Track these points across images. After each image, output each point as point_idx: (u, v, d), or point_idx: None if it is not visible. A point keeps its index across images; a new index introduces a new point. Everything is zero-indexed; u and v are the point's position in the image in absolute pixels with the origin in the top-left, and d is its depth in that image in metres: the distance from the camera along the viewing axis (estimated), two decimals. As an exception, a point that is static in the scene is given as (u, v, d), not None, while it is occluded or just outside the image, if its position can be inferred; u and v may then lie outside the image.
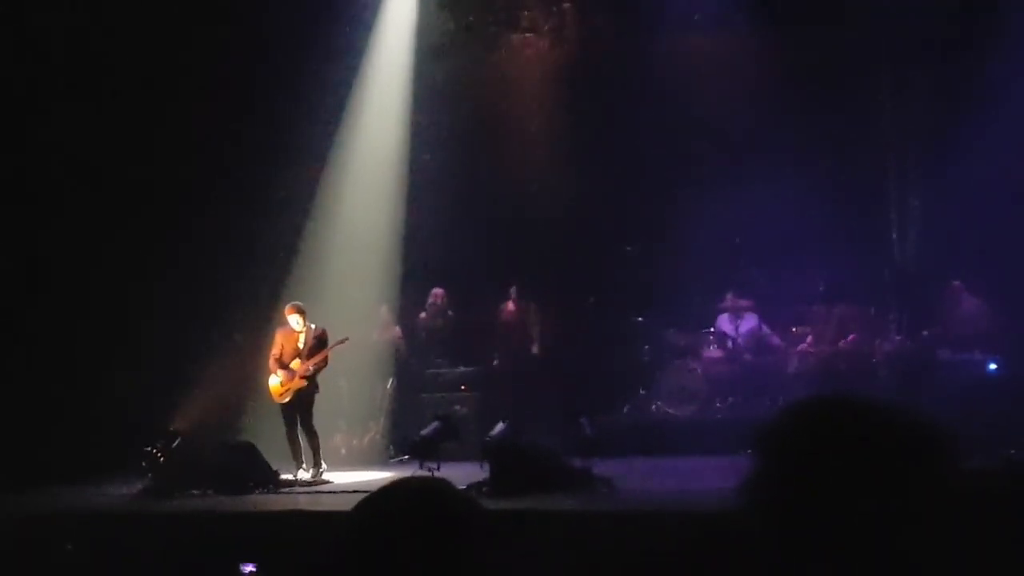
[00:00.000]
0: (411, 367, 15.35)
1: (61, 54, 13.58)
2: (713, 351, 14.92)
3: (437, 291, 15.56)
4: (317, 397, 12.81)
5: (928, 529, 1.63)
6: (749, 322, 14.93)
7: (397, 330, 15.53)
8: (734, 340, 14.88)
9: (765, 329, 14.90)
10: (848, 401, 1.74)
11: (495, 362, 15.44)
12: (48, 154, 13.55)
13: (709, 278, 15.05)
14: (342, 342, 12.87)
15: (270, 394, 12.79)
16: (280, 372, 12.63)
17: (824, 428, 1.70)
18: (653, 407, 14.80)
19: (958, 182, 13.66)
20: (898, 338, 14.09)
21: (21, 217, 13.41)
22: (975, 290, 13.80)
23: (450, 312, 15.63)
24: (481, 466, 10.67)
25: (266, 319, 13.68)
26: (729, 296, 15.03)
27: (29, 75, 13.44)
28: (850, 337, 14.27)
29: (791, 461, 1.69)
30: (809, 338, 14.49)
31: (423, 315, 15.65)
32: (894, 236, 15.05)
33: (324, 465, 12.68)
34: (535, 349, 15.35)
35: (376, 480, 11.26)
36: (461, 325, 15.65)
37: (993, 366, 13.37)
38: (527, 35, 16.50)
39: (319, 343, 12.75)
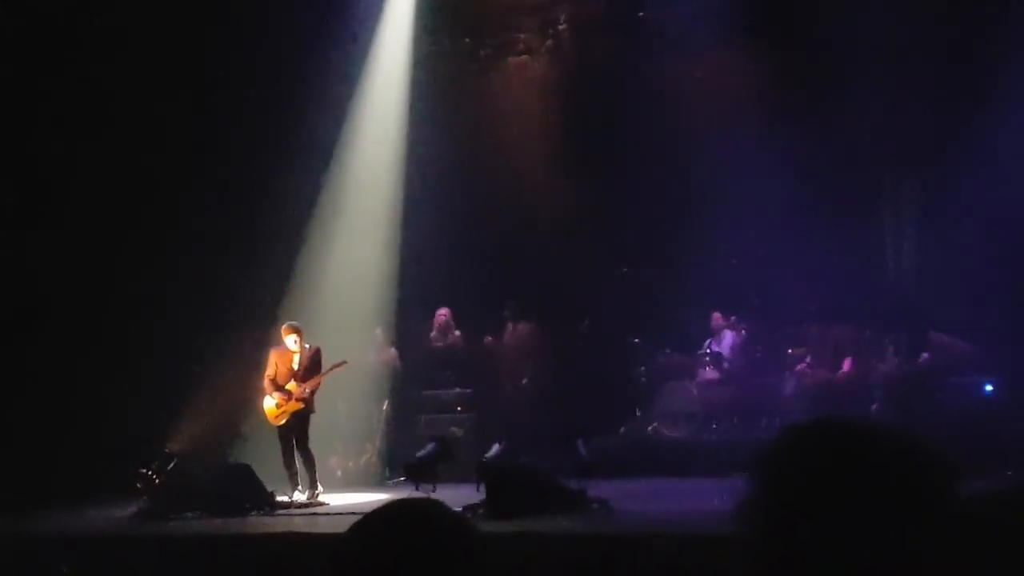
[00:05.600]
0: (407, 389, 15.33)
1: (57, 56, 13.57)
2: (709, 372, 14.92)
3: (442, 311, 15.57)
4: (313, 419, 12.79)
5: (930, 555, 1.62)
6: (728, 340, 14.94)
7: (392, 352, 15.52)
8: (730, 361, 14.88)
9: (738, 344, 14.91)
10: (847, 424, 1.73)
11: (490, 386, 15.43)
12: (45, 173, 13.56)
13: (705, 299, 15.05)
14: (340, 365, 12.85)
15: (265, 416, 12.76)
16: (276, 394, 12.59)
17: (822, 452, 1.70)
18: (649, 428, 14.78)
19: (953, 201, 13.69)
20: (896, 360, 14.09)
21: (21, 239, 13.42)
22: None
23: (457, 332, 15.64)
24: (477, 488, 10.66)
25: (263, 340, 13.65)
26: (714, 316, 15.03)
27: (23, 75, 13.44)
28: (847, 362, 14.26)
29: (788, 485, 1.69)
30: (808, 358, 14.49)
31: (433, 334, 15.66)
32: (889, 256, 15.06)
33: (320, 487, 12.64)
34: (527, 373, 15.34)
35: (372, 502, 11.22)
36: (468, 345, 15.65)
37: (989, 387, 13.37)
38: (523, 57, 16.55)
39: (314, 362, 12.72)
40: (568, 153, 15.39)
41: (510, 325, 15.66)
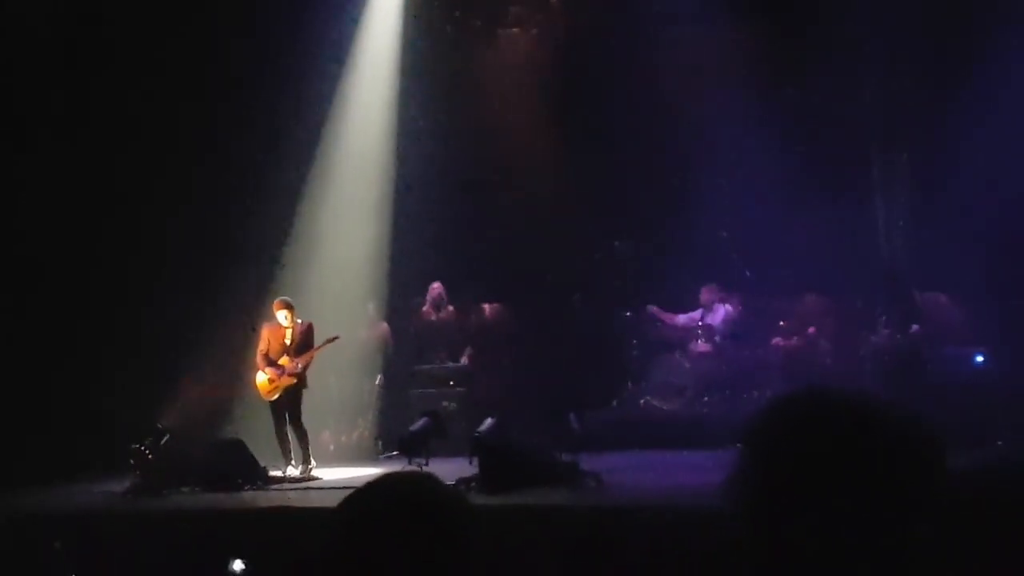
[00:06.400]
0: (399, 363, 15.34)
1: (49, 45, 13.52)
2: (701, 345, 14.91)
3: (435, 285, 15.55)
4: (306, 393, 12.80)
5: (916, 526, 1.63)
6: (721, 313, 14.95)
7: (384, 327, 15.52)
8: (722, 334, 14.89)
9: (733, 317, 14.93)
10: (832, 396, 1.74)
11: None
12: (36, 154, 13.53)
13: (696, 272, 15.05)
14: (333, 340, 12.86)
15: (257, 391, 12.78)
16: (268, 369, 12.61)
17: (809, 424, 1.70)
18: (641, 401, 14.81)
19: (944, 173, 13.69)
20: (886, 331, 14.13)
21: (13, 216, 13.38)
22: (947, 291, 13.86)
23: (450, 306, 15.63)
24: (470, 461, 10.67)
25: (255, 315, 13.64)
26: (703, 291, 15.03)
27: (14, 69, 13.39)
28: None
29: (775, 456, 1.69)
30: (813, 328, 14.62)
31: (425, 308, 15.65)
32: (879, 227, 15.07)
33: (313, 461, 12.67)
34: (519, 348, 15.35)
35: (365, 476, 11.22)
36: (461, 319, 15.65)
37: (980, 358, 13.42)
38: (514, 30, 16.48)
39: (306, 338, 12.73)
40: (559, 126, 15.37)
41: (485, 307, 15.70)
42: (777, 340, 14.53)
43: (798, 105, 14.15)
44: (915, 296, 13.97)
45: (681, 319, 15.20)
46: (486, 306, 15.73)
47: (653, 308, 15.25)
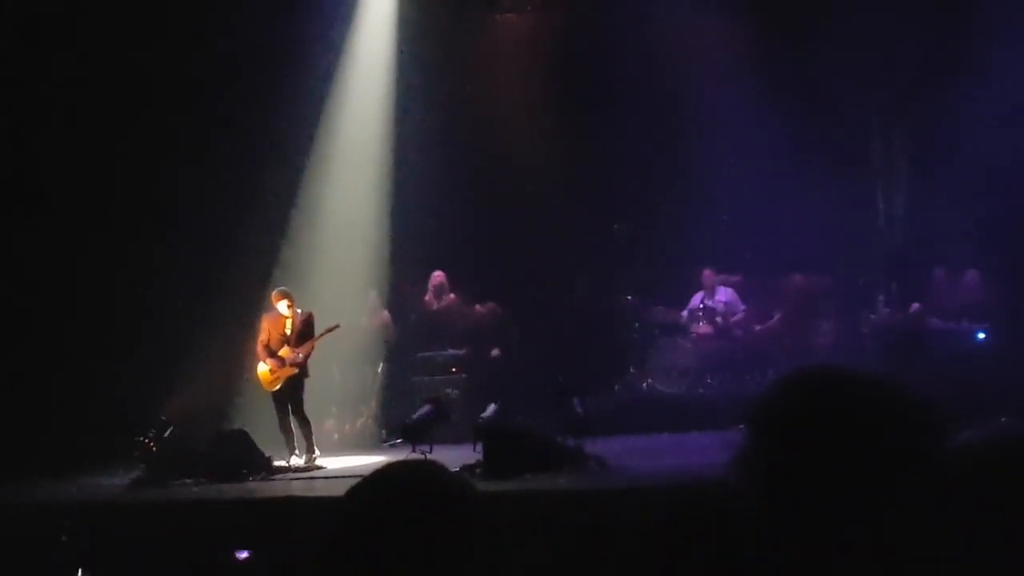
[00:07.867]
0: (402, 351, 15.34)
1: (43, 50, 13.51)
2: (703, 327, 14.91)
3: (437, 274, 15.54)
4: (307, 383, 12.81)
5: (918, 503, 1.63)
6: (723, 295, 14.95)
7: (386, 315, 15.52)
8: (724, 316, 14.88)
9: (739, 304, 14.95)
10: (835, 376, 1.74)
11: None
12: (35, 144, 13.52)
13: (698, 255, 15.04)
14: (333, 329, 12.85)
15: (259, 381, 12.78)
16: (269, 360, 12.61)
17: (813, 403, 1.71)
18: (644, 385, 14.82)
19: (945, 151, 13.68)
20: (887, 310, 14.14)
21: (10, 205, 13.37)
22: (972, 264, 13.86)
23: (451, 294, 15.62)
24: (473, 448, 10.70)
25: (254, 306, 13.64)
26: (705, 273, 15.02)
27: (10, 68, 13.39)
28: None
29: (780, 436, 1.69)
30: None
31: (428, 297, 15.64)
32: (880, 206, 15.07)
33: (317, 451, 12.68)
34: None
35: (369, 464, 11.26)
36: (462, 307, 15.64)
37: (981, 335, 13.42)
38: (510, 15, 16.45)
39: (306, 328, 12.73)
40: (558, 109, 15.35)
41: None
42: (770, 323, 14.60)
43: (798, 85, 14.10)
44: (935, 273, 13.98)
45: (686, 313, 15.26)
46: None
47: (660, 309, 15.31)
